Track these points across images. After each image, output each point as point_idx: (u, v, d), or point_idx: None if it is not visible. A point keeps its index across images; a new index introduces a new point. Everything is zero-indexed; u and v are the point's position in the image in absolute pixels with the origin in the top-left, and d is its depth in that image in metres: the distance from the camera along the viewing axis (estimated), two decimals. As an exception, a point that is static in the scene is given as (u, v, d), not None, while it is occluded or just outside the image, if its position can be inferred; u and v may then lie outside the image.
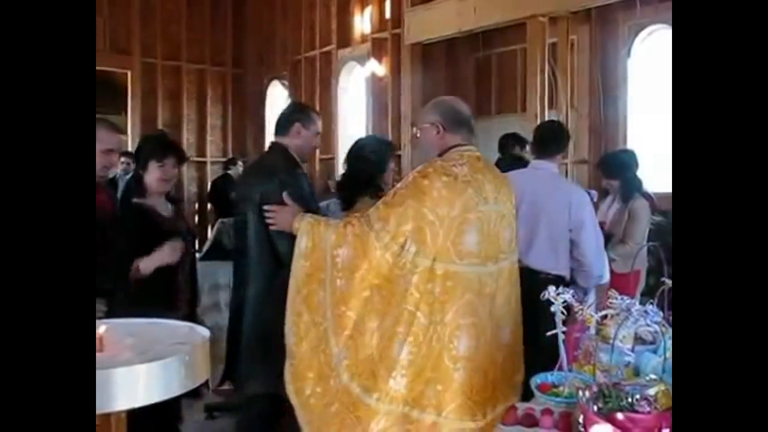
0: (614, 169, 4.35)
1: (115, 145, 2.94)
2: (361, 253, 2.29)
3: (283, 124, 3.10)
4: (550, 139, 3.52)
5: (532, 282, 3.05)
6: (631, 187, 4.20)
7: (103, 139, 2.80)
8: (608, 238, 3.92)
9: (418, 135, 2.61)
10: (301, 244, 2.43)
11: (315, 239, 2.41)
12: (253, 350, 2.90)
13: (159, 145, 3.04)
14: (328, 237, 2.37)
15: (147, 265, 2.76)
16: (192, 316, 2.96)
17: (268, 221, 2.69)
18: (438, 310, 2.25)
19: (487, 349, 2.33)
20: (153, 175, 2.92)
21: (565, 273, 3.30)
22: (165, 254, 2.80)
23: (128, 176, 7.60)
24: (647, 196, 4.55)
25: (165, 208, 3.01)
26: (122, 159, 7.44)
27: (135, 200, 2.97)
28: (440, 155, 2.45)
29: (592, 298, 3.38)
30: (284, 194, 2.68)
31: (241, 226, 2.98)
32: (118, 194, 7.35)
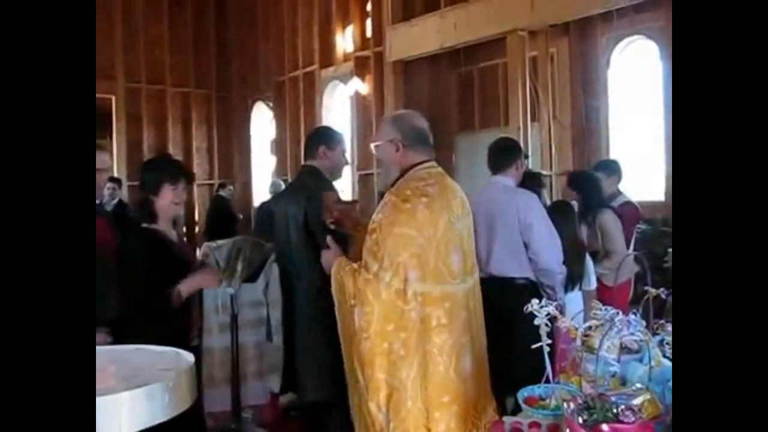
0: (574, 185, 4.34)
1: (103, 165, 2.82)
2: (369, 303, 2.22)
3: (310, 148, 3.27)
4: (501, 155, 3.65)
5: (501, 289, 3.21)
6: (589, 202, 4.15)
7: None
8: (593, 255, 3.97)
9: (376, 152, 2.53)
10: (333, 293, 2.40)
11: (339, 292, 2.36)
12: (306, 363, 3.11)
13: (171, 168, 2.94)
14: (348, 290, 2.31)
15: (187, 288, 2.71)
16: (200, 347, 2.94)
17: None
18: (443, 334, 2.26)
19: (479, 362, 2.38)
20: (166, 199, 2.81)
21: (529, 274, 3.38)
22: (207, 279, 2.81)
23: (114, 202, 7.57)
24: (629, 204, 4.58)
25: (171, 233, 2.92)
26: (108, 184, 7.41)
27: (145, 225, 2.83)
28: (402, 174, 2.40)
29: (561, 293, 3.44)
30: (328, 238, 2.61)
31: (284, 246, 3.20)
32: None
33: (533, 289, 3.29)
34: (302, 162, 3.41)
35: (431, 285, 2.25)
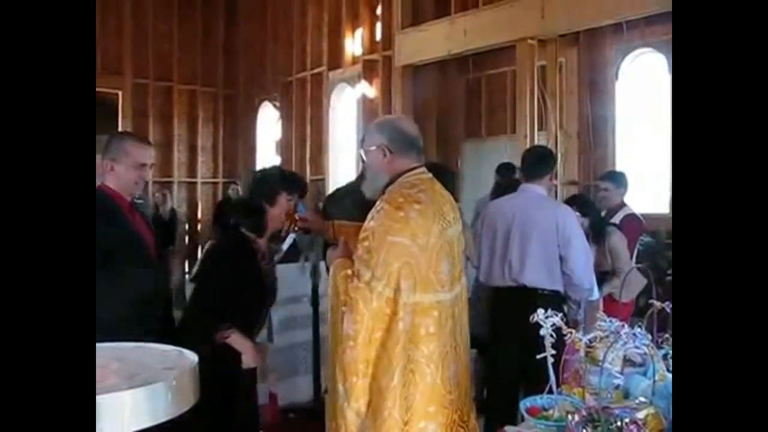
0: (580, 208, 4.36)
1: (148, 159, 2.73)
2: (359, 311, 2.18)
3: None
4: (537, 164, 3.65)
5: (530, 300, 3.18)
6: (595, 223, 4.19)
7: (132, 153, 2.65)
8: (603, 275, 4.02)
9: (365, 158, 2.46)
10: (330, 290, 2.37)
11: (333, 295, 2.33)
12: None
13: (289, 178, 3.06)
14: (340, 298, 2.28)
15: (237, 342, 2.78)
16: None
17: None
18: (431, 344, 2.22)
19: (464, 370, 2.35)
20: (280, 209, 2.89)
21: (560, 288, 3.41)
22: (252, 355, 2.84)
23: None
24: (633, 216, 4.58)
25: (265, 244, 2.96)
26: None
27: (242, 232, 2.86)
28: (392, 180, 2.34)
29: (583, 309, 3.45)
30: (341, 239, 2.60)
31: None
32: None
33: (560, 301, 3.35)
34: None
35: (421, 294, 2.20)
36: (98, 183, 2.67)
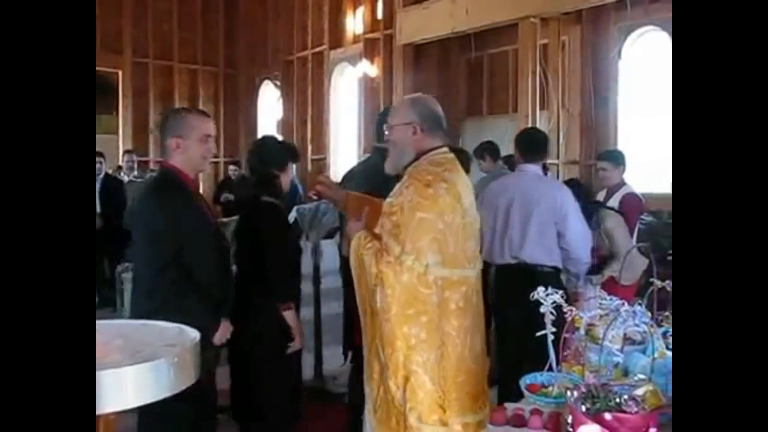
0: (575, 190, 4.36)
1: (213, 131, 2.75)
2: (390, 285, 2.23)
3: (379, 131, 3.19)
4: (533, 145, 3.79)
5: (532, 275, 3.36)
6: (586, 206, 4.20)
7: (198, 126, 2.66)
8: (603, 259, 4.09)
9: (389, 133, 2.50)
10: (352, 266, 2.42)
11: (359, 267, 2.38)
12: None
13: (291, 148, 3.32)
14: (368, 270, 2.32)
15: (291, 321, 2.95)
16: None
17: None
18: (460, 317, 2.30)
19: (483, 342, 2.45)
20: (288, 177, 3.11)
21: (558, 263, 3.53)
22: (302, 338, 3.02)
23: (101, 176, 7.59)
24: (633, 195, 4.57)
25: None
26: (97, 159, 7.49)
27: (268, 199, 3.03)
28: (416, 158, 2.39)
29: (591, 291, 3.51)
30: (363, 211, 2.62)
31: None
32: (96, 197, 7.43)
33: (558, 276, 3.49)
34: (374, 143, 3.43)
35: (450, 270, 2.27)
36: (163, 162, 2.74)
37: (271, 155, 3.19)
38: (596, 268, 4.00)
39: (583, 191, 4.36)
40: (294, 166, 3.22)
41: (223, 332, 2.63)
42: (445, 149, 2.44)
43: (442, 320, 2.27)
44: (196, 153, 2.64)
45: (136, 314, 2.62)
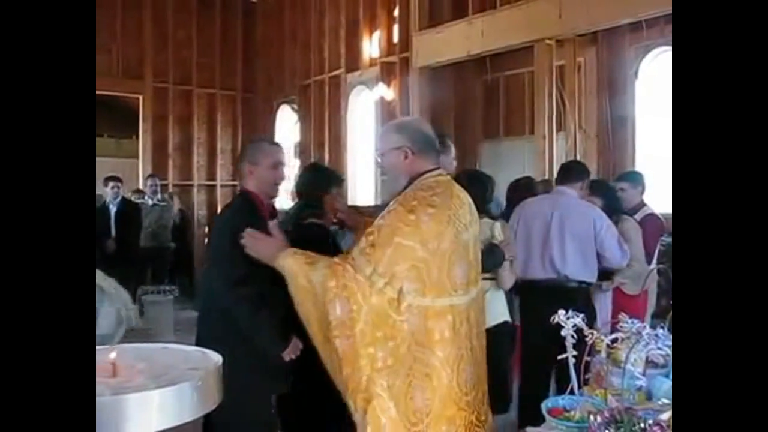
0: (597, 191, 4.36)
1: (283, 158, 2.95)
2: (357, 302, 2.13)
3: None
4: (572, 171, 4.17)
5: (572, 293, 3.73)
6: (611, 206, 4.29)
7: (270, 153, 2.89)
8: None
9: (381, 161, 2.43)
10: (291, 288, 2.28)
11: (301, 285, 2.24)
12: None
13: (334, 173, 3.59)
14: (320, 285, 2.19)
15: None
16: None
17: (243, 243, 2.53)
18: (446, 347, 2.18)
19: (481, 370, 2.33)
20: (331, 201, 3.27)
21: (594, 280, 3.97)
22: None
23: (117, 200, 7.71)
24: (653, 216, 4.55)
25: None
26: (111, 184, 7.63)
27: (315, 221, 3.25)
28: (410, 182, 2.32)
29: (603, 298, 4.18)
30: (270, 223, 2.61)
31: None
32: (112, 220, 7.53)
33: (588, 292, 3.95)
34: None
35: (433, 299, 2.17)
36: (242, 186, 3.04)
37: (318, 180, 3.46)
38: (607, 274, 4.15)
39: (609, 187, 4.59)
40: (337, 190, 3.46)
41: (293, 348, 2.71)
42: (439, 171, 2.36)
43: (421, 350, 2.16)
44: (267, 178, 2.87)
45: (205, 330, 2.84)
